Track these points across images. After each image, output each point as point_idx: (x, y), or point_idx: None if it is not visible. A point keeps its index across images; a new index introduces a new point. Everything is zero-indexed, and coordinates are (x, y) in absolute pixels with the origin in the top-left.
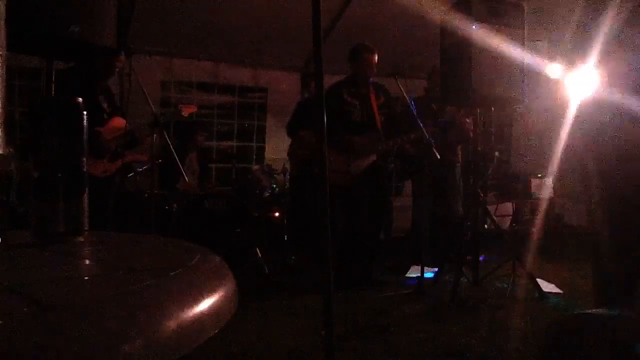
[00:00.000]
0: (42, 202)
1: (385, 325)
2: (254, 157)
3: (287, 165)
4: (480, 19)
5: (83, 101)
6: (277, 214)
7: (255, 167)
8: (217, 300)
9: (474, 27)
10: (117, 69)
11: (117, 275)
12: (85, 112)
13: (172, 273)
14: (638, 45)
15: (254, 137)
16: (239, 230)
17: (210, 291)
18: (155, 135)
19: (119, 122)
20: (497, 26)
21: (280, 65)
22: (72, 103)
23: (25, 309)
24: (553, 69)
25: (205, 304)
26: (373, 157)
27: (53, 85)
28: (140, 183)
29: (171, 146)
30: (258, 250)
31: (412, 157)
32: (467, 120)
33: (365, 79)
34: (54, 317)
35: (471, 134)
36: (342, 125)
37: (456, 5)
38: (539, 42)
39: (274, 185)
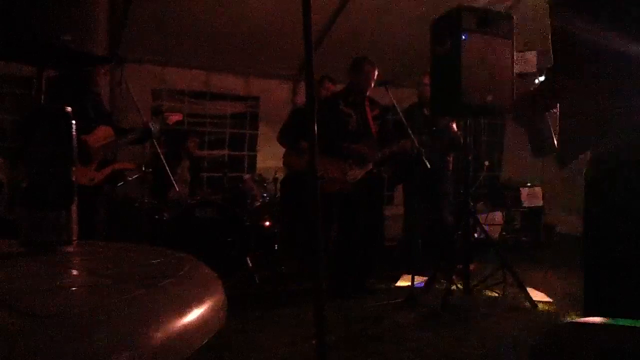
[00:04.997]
0: (31, 211)
1: (377, 334)
2: (246, 166)
3: (279, 174)
4: (470, 29)
5: (72, 110)
6: (268, 223)
7: (247, 176)
8: (206, 311)
9: (463, 36)
10: (100, 77)
11: (105, 286)
12: (74, 122)
13: (161, 283)
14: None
15: (246, 146)
16: (229, 239)
17: (198, 302)
18: (145, 144)
19: (106, 130)
20: (486, 36)
21: (272, 74)
22: (62, 112)
23: (12, 321)
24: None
25: (193, 315)
26: (369, 166)
27: (44, 93)
28: (131, 192)
29: (161, 155)
30: (249, 260)
31: (404, 163)
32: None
33: (362, 90)
34: (41, 328)
35: (461, 141)
36: (339, 135)
37: (446, 15)
38: (528, 51)
39: (265, 195)
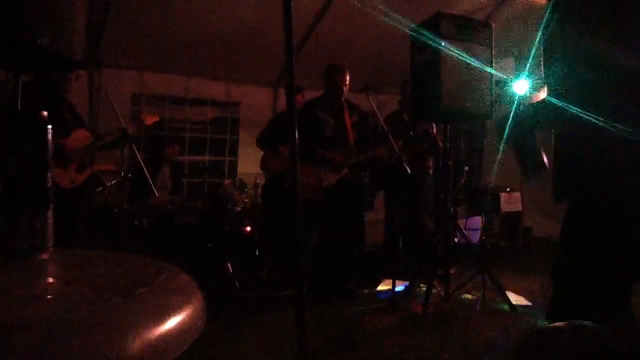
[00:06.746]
0: (6, 218)
1: (358, 339)
2: (226, 171)
3: (259, 180)
4: (450, 37)
5: (48, 113)
6: (248, 229)
7: (227, 181)
8: (183, 320)
9: (443, 44)
10: (71, 83)
11: (81, 294)
12: (50, 126)
13: (138, 291)
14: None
15: (226, 151)
16: (210, 245)
17: (176, 310)
18: (124, 149)
19: (83, 133)
20: (465, 43)
21: (253, 79)
22: (38, 117)
23: None
24: (520, 85)
25: (170, 324)
26: (344, 172)
27: (19, 98)
28: (110, 198)
29: (140, 160)
30: (229, 266)
31: (384, 169)
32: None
33: (337, 98)
34: (14, 337)
35: (441, 144)
36: (314, 141)
37: (426, 22)
38: (506, 59)
39: (246, 200)
